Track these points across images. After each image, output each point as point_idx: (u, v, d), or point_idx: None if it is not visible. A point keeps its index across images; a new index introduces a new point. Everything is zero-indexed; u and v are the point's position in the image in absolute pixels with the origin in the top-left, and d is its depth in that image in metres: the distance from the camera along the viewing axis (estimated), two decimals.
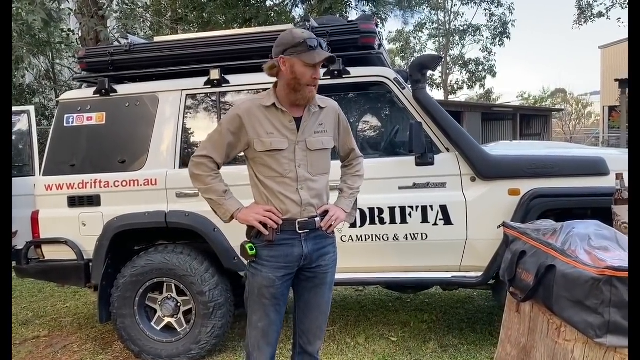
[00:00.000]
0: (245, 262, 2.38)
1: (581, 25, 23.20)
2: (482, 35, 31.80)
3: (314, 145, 2.28)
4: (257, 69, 3.84)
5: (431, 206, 3.49)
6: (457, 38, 33.12)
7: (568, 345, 1.68)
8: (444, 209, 3.48)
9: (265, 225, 2.21)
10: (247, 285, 2.34)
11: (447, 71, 33.60)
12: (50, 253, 3.95)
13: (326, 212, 2.33)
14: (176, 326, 3.78)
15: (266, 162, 2.24)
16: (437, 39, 34.23)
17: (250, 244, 2.27)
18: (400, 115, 3.75)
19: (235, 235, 3.62)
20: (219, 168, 2.33)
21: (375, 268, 3.65)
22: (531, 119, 25.62)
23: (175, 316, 3.78)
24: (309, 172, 2.27)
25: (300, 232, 2.26)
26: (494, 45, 31.15)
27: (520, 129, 23.97)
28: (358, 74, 3.68)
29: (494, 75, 32.49)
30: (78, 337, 4.44)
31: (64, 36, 9.98)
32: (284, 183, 2.24)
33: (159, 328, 3.80)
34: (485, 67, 32.27)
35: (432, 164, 3.46)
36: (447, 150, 3.53)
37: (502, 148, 4.22)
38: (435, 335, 4.06)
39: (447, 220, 3.48)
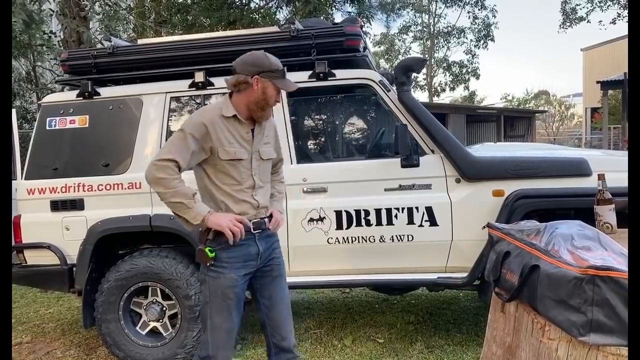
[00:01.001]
0: (203, 266, 2.40)
1: (566, 29, 23.58)
2: (467, 38, 32.10)
3: (265, 155, 2.49)
4: None
5: (417, 207, 3.51)
6: (441, 40, 33.37)
7: (552, 344, 1.70)
8: (429, 210, 3.50)
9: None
10: (207, 289, 2.39)
11: (432, 73, 33.83)
12: (33, 258, 3.89)
13: (271, 215, 2.53)
14: (162, 330, 3.75)
15: (227, 170, 2.35)
16: (422, 41, 34.47)
17: (209, 247, 2.33)
18: (385, 118, 3.77)
19: None
20: (180, 173, 2.31)
21: (361, 270, 3.65)
22: (515, 120, 25.90)
23: (161, 320, 3.75)
24: (261, 180, 2.47)
25: (254, 232, 2.41)
26: (478, 48, 31.46)
27: (505, 131, 24.22)
28: (343, 76, 3.68)
29: (477, 78, 32.80)
30: (62, 342, 4.38)
31: (46, 38, 9.85)
32: (242, 190, 2.39)
33: (144, 333, 3.77)
34: (469, 70, 32.56)
35: (417, 165, 3.47)
36: (432, 152, 3.56)
37: (486, 149, 4.26)
38: (421, 336, 4.08)
39: (433, 222, 3.51)
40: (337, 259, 3.65)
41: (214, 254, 2.32)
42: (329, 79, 3.67)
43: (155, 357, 3.68)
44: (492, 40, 30.69)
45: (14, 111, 4.27)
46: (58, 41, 10.06)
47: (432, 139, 3.50)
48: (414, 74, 3.71)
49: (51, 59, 10.67)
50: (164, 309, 3.73)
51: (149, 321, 3.76)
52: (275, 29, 3.98)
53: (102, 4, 9.28)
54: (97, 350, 4.14)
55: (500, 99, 43.25)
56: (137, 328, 3.76)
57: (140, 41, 4.16)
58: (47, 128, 3.92)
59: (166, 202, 2.29)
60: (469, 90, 34.40)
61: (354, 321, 4.53)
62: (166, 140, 3.77)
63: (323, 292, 5.45)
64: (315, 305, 5.07)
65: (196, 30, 10.30)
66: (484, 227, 2.62)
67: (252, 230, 2.39)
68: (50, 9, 9.82)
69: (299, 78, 3.72)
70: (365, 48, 3.96)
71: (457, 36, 32.51)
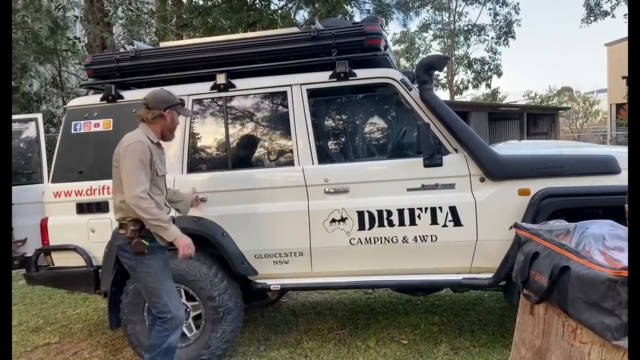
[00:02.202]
0: (137, 254, 2.96)
1: (589, 24, 23.11)
2: (487, 35, 31.70)
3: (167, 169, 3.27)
4: (263, 72, 3.86)
5: (440, 207, 3.46)
6: (461, 38, 33.02)
7: (584, 347, 1.65)
8: (453, 210, 3.45)
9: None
10: (148, 267, 2.99)
11: (453, 71, 33.50)
12: (60, 260, 3.95)
13: None
14: (186, 331, 3.76)
15: (158, 183, 3.07)
16: (442, 39, 34.15)
17: (145, 238, 2.96)
18: (407, 117, 3.73)
19: (244, 240, 3.64)
20: None
21: (384, 271, 3.62)
22: (538, 118, 25.50)
23: (185, 321, 3.76)
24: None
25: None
26: (499, 45, 31.04)
27: (527, 128, 23.86)
28: (364, 75, 3.66)
29: (499, 75, 32.36)
30: (88, 343, 4.44)
31: (70, 43, 10.02)
32: (162, 199, 3.11)
33: None
34: (491, 67, 32.15)
35: (440, 165, 3.43)
36: (456, 150, 3.51)
37: (511, 148, 4.19)
38: (446, 338, 4.03)
39: (457, 222, 3.46)
40: (359, 260, 3.63)
41: (148, 243, 2.96)
42: (350, 78, 3.65)
43: (180, 358, 3.67)
44: (513, 37, 30.26)
45: (40, 115, 4.35)
46: (82, 46, 10.22)
47: (456, 138, 3.45)
48: (436, 72, 3.66)
49: (76, 63, 10.84)
50: (188, 310, 3.74)
51: None
52: (295, 29, 3.97)
53: (124, 9, 9.40)
54: (123, 351, 4.19)
55: (523, 96, 42.64)
56: None
57: (162, 44, 4.19)
58: (72, 132, 3.97)
59: (149, 224, 2.91)
60: (490, 88, 33.96)
61: (378, 322, 4.49)
62: (189, 142, 3.80)
63: (345, 292, 5.43)
64: (338, 306, 5.05)
65: (217, 33, 10.35)
66: (511, 227, 2.57)
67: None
68: (75, 15, 9.98)
69: (320, 78, 3.73)
70: (386, 47, 3.93)
71: (477, 34, 32.14)
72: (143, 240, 2.94)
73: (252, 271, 3.69)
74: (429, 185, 3.49)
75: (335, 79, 3.66)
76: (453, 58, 32.62)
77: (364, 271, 3.65)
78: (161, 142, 3.21)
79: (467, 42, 32.96)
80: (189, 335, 3.74)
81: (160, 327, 3.03)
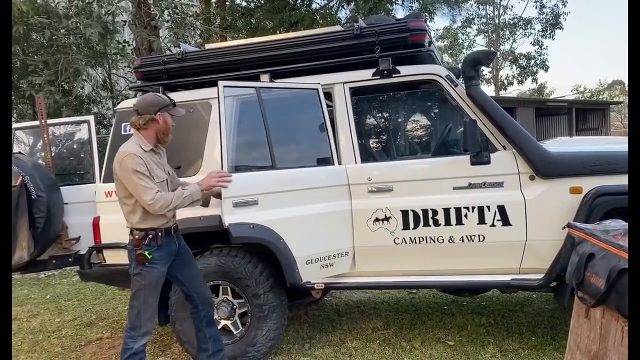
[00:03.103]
0: (138, 263, 3.04)
1: None
2: (534, 29, 30.77)
3: (171, 172, 3.27)
4: (305, 72, 3.86)
5: (488, 206, 3.39)
6: (507, 32, 32.19)
7: None
8: (501, 209, 3.37)
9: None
10: (142, 279, 3.07)
11: (498, 66, 32.71)
12: (111, 257, 4.08)
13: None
14: (232, 328, 3.82)
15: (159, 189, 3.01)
16: (487, 34, 33.40)
17: (148, 251, 3.02)
18: (452, 114, 3.66)
19: (299, 246, 3.52)
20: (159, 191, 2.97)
21: (430, 271, 3.57)
22: (587, 113, 24.55)
23: (231, 319, 3.82)
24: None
25: (174, 233, 3.20)
26: (545, 38, 30.08)
27: (576, 124, 23.01)
28: (408, 72, 3.62)
29: (546, 70, 31.38)
30: None
31: (120, 47, 10.35)
32: None
33: None
34: (537, 61, 31.19)
35: (488, 162, 3.35)
36: (504, 148, 3.42)
37: (561, 144, 4.05)
38: (493, 339, 3.93)
39: (505, 221, 3.37)
40: (404, 260, 3.59)
41: (150, 256, 3.02)
42: (394, 75, 3.61)
43: (226, 354, 3.74)
44: (561, 29, 29.26)
45: (92, 117, 4.50)
46: (131, 50, 10.53)
47: (504, 135, 3.36)
48: (483, 68, 3.58)
49: (125, 66, 11.19)
50: (234, 307, 3.80)
51: (220, 319, 3.84)
52: (338, 28, 3.96)
53: (170, 13, 9.63)
54: (172, 347, 4.29)
55: (571, 91, 41.24)
56: None
57: (207, 46, 4.26)
58: (123, 133, 4.09)
59: (181, 207, 3.05)
60: (537, 82, 32.97)
61: (423, 322, 4.44)
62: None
63: (389, 292, 5.39)
64: (382, 306, 5.01)
65: (259, 34, 10.47)
66: (565, 227, 2.48)
67: (172, 232, 3.16)
68: (123, 19, 10.30)
69: (362, 76, 3.71)
70: (430, 43, 3.87)
71: (523, 27, 31.25)
72: (145, 253, 3.02)
73: (301, 279, 3.56)
74: (476, 184, 3.42)
75: (378, 77, 3.64)
76: (498, 53, 31.84)
77: (408, 271, 3.61)
78: (160, 145, 3.22)
79: (513, 36, 32.10)
80: (234, 332, 3.80)
81: (128, 333, 3.12)
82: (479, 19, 32.96)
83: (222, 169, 3.30)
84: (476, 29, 33.48)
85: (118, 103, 4.62)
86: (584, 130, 23.90)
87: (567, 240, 3.07)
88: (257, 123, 3.48)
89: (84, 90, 11.28)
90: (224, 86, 3.25)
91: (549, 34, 29.34)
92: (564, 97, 31.25)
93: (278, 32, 10.60)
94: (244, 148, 3.60)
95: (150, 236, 3.03)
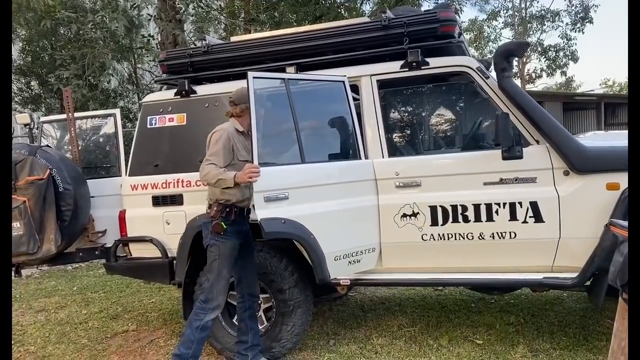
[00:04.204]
0: (214, 234, 3.27)
1: None
2: (562, 21, 30.04)
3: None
4: (331, 64, 3.80)
5: (520, 202, 3.28)
6: (534, 25, 31.51)
7: None
8: (534, 205, 3.26)
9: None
10: (217, 250, 3.29)
11: (524, 59, 32.06)
12: (137, 251, 4.09)
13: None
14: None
15: (239, 167, 3.19)
16: (513, 26, 32.75)
17: (223, 221, 3.26)
18: (483, 107, 3.55)
19: (327, 242, 3.41)
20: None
21: (459, 268, 3.49)
22: (616, 107, 23.86)
23: (257, 313, 3.79)
24: None
25: (246, 215, 3.42)
26: (575, 31, 29.35)
27: (605, 119, 22.43)
28: (438, 64, 3.52)
29: (575, 61, 30.60)
30: (164, 332, 4.58)
31: (145, 41, 10.41)
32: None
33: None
34: (566, 53, 30.45)
35: (520, 157, 3.23)
36: (537, 142, 3.31)
37: (597, 139, 3.91)
38: (523, 339, 3.83)
39: (538, 218, 3.26)
40: (432, 256, 3.51)
41: (225, 227, 3.25)
42: (423, 68, 3.52)
43: None
44: (591, 22, 28.52)
45: (118, 111, 4.51)
46: (156, 44, 10.59)
47: (537, 128, 3.25)
48: (515, 59, 3.46)
49: (150, 60, 11.26)
50: (259, 302, 3.77)
51: None
52: (365, 19, 3.89)
53: (195, 7, 9.64)
54: None
55: (600, 84, 40.22)
56: (234, 320, 3.83)
57: (232, 38, 4.22)
58: (148, 126, 4.09)
59: (216, 186, 3.20)
60: (566, 75, 32.20)
61: (449, 320, 4.35)
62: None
63: (415, 289, 5.31)
64: (407, 302, 4.94)
65: (283, 27, 10.42)
66: (606, 225, 2.37)
67: (245, 213, 3.39)
68: (149, 13, 10.36)
69: (390, 69, 3.63)
70: (460, 34, 3.77)
71: (551, 20, 30.53)
72: (222, 223, 3.25)
73: (329, 276, 3.46)
74: (507, 179, 3.32)
75: (407, 69, 3.55)
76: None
77: (436, 268, 3.53)
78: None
79: (542, 28, 31.38)
80: (259, 327, 3.77)
81: (199, 304, 3.33)
82: (505, 12, 32.34)
83: (252, 162, 3.24)
84: (502, 22, 32.86)
85: (144, 97, 4.62)
86: (612, 125, 23.29)
87: (605, 238, 2.95)
88: (286, 115, 3.42)
89: (110, 85, 11.40)
90: (254, 77, 3.18)
91: (579, 27, 28.62)
92: (593, 91, 30.48)
93: (302, 25, 10.53)
94: (272, 141, 3.51)
95: (227, 209, 3.27)
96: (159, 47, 10.35)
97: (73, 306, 5.66)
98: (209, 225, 3.32)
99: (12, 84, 11.20)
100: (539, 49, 31.41)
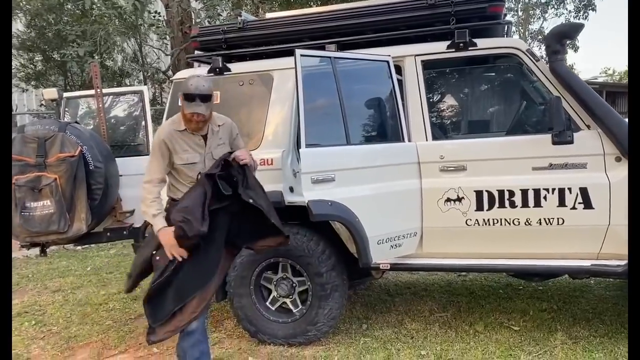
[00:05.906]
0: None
1: None
2: (566, 9, 29.86)
3: (218, 155, 2.96)
4: (372, 43, 3.69)
5: (569, 188, 3.22)
6: (537, 11, 31.31)
7: None
8: (584, 191, 3.20)
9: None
10: None
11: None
12: None
13: None
14: (291, 307, 3.73)
15: (184, 174, 2.93)
16: (515, 12, 32.53)
17: None
18: (531, 90, 3.48)
19: (371, 225, 3.36)
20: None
21: (503, 254, 3.42)
22: (617, 96, 23.84)
23: (291, 296, 3.73)
24: None
25: None
26: (578, 19, 29.19)
27: None
28: (486, 45, 3.43)
29: (576, 50, 30.50)
30: None
31: (154, 19, 10.18)
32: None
33: (274, 308, 3.77)
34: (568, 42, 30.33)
35: (571, 142, 3.16)
36: (588, 127, 3.23)
37: None
38: (560, 326, 3.80)
39: (588, 204, 3.20)
40: (476, 242, 3.45)
41: None
42: (470, 48, 3.43)
43: (286, 332, 3.68)
44: (594, 9, 28.38)
45: (145, 88, 4.39)
46: (162, 22, 10.36)
47: (590, 113, 3.18)
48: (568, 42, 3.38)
49: (157, 39, 11.02)
50: (294, 285, 3.71)
51: (279, 297, 3.76)
52: None
53: None
54: (224, 323, 4.23)
55: (600, 73, 40.15)
56: (267, 303, 3.77)
57: (268, 15, 4.10)
58: (180, 104, 3.95)
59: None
60: (567, 63, 32.10)
61: (481, 306, 4.31)
62: (297, 116, 3.70)
63: (437, 274, 5.27)
64: (433, 287, 4.90)
65: (295, 7, 10.22)
66: None
67: None
68: None
69: (436, 49, 3.53)
70: (505, 15, 3.67)
71: (555, 7, 30.34)
72: None
73: (372, 260, 3.42)
74: (557, 165, 3.25)
75: (453, 49, 3.45)
76: (527, 32, 31.04)
77: (479, 254, 3.47)
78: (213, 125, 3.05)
79: (544, 14, 31.21)
80: (294, 311, 3.72)
81: None
82: None
83: (301, 143, 3.15)
84: (505, 7, 32.61)
85: (148, 76, 4.54)
86: None
87: None
88: (332, 96, 3.31)
89: (117, 62, 11.18)
90: (301, 55, 3.07)
91: (582, 14, 28.47)
92: (596, 79, 30.45)
93: (313, 5, 10.33)
94: (318, 122, 3.39)
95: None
96: (164, 24, 10.12)
97: (90, 287, 5.57)
98: None
99: (16, 60, 10.95)
100: (540, 36, 31.23)
